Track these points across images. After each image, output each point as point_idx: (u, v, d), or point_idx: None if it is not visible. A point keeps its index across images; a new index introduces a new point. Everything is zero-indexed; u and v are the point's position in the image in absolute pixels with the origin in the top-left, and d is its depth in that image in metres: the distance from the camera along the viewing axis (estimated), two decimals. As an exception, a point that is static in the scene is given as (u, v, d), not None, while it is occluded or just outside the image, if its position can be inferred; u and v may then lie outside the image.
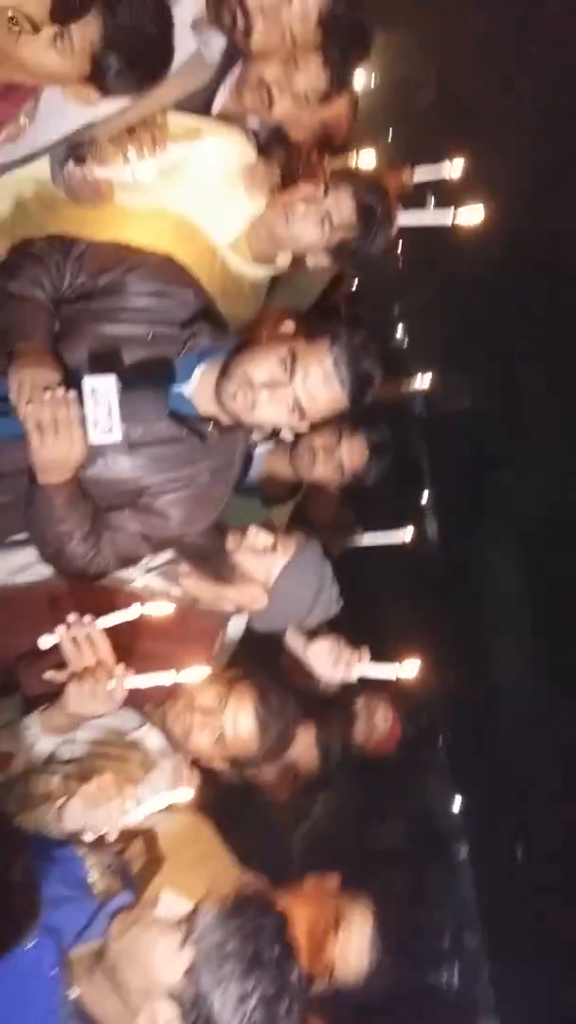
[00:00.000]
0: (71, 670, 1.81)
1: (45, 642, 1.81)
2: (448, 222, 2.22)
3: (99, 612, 1.90)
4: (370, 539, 3.00)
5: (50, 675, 1.84)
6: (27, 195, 2.22)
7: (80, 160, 2.06)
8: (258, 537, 2.14)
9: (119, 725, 2.02)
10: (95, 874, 1.59)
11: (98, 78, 1.76)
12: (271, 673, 2.18)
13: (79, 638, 1.80)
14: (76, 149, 2.07)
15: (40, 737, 1.86)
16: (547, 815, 3.78)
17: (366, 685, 2.55)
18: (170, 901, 1.60)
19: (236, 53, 2.29)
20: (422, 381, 3.33)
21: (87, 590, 2.00)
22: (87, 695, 1.79)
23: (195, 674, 1.85)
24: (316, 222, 2.22)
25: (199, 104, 2.33)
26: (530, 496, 4.14)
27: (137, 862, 1.79)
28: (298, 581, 2.11)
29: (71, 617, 1.80)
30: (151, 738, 2.06)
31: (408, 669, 2.23)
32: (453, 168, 2.33)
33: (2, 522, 1.94)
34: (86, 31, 1.68)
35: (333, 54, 2.24)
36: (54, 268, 1.88)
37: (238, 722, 2.04)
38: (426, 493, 4.81)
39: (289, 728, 2.12)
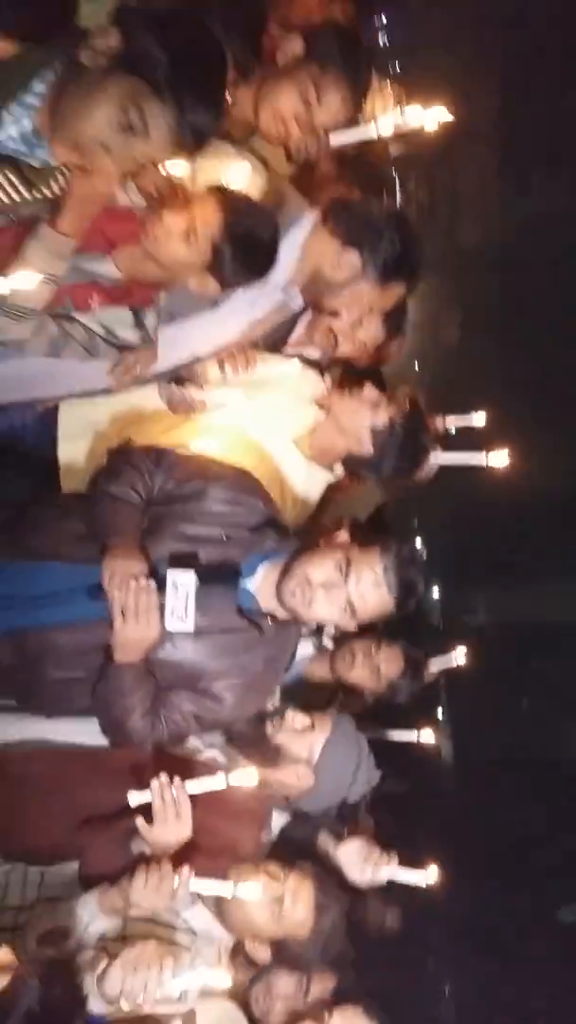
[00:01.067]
0: (154, 842, 1.91)
1: (135, 799, 1.92)
2: (482, 463, 2.53)
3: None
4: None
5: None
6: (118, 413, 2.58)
7: (180, 383, 2.45)
8: (296, 719, 2.28)
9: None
10: None
11: (217, 269, 2.13)
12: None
13: (167, 799, 1.90)
14: (178, 375, 2.46)
15: (97, 916, 1.91)
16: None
17: None
18: None
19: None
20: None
21: (163, 758, 2.12)
22: (152, 890, 1.88)
23: (251, 891, 1.94)
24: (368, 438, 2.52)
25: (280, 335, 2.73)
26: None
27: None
28: (339, 754, 2.23)
29: (163, 777, 1.92)
30: (199, 917, 2.11)
31: (432, 875, 2.31)
32: (479, 418, 2.70)
33: (77, 693, 2.11)
34: (211, 226, 2.08)
35: (394, 315, 2.66)
36: (147, 475, 2.16)
37: (299, 895, 2.11)
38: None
39: (341, 925, 2.19)
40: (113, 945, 1.93)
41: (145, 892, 1.88)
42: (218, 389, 2.49)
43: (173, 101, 1.57)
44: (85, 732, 2.15)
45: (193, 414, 2.46)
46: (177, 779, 1.93)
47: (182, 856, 1.98)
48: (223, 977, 1.90)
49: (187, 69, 1.57)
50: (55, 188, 1.79)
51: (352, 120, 2.38)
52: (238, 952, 2.25)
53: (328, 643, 2.74)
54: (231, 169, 2.30)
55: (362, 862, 2.31)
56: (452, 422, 2.74)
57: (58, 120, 1.62)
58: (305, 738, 2.23)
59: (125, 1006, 1.76)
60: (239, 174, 2.33)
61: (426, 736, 2.89)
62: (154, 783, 1.92)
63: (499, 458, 2.52)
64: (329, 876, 2.25)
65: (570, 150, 4.93)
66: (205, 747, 2.26)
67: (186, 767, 2.11)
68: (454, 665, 2.88)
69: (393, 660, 2.68)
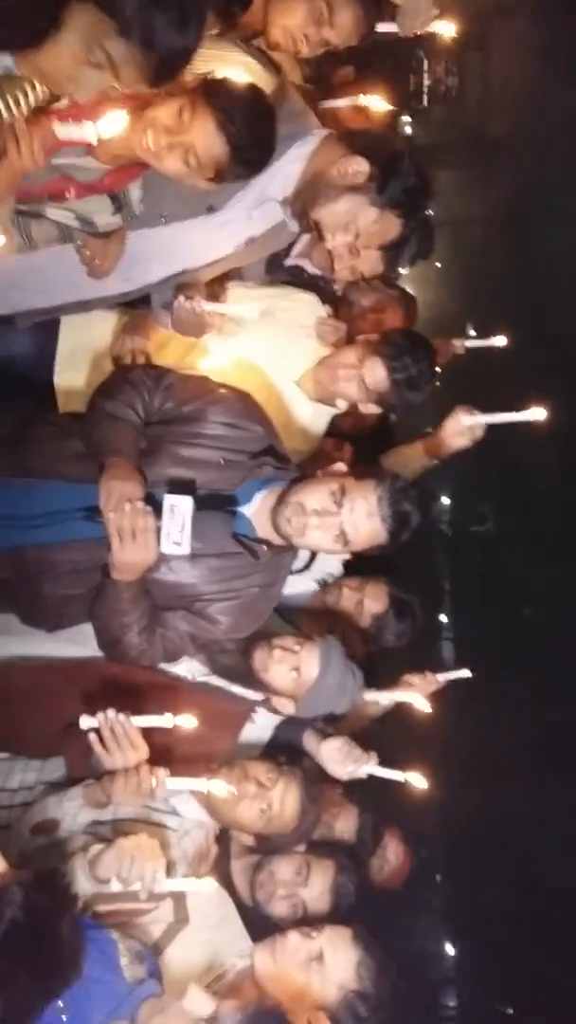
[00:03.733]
0: (109, 767, 2.01)
1: (85, 723, 2.00)
2: (519, 418, 2.46)
3: (144, 695, 2.11)
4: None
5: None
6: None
7: (189, 296, 2.37)
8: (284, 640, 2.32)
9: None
10: (126, 960, 1.73)
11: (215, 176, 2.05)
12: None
13: (116, 731, 1.99)
14: (184, 288, 2.39)
15: (83, 809, 2.03)
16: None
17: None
18: (196, 998, 1.76)
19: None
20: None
21: (137, 674, 2.21)
22: (131, 789, 2.00)
23: (222, 788, 2.05)
24: (355, 385, 2.53)
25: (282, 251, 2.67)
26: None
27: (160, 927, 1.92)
28: (328, 681, 2.28)
29: (109, 712, 1.99)
30: (188, 806, 2.23)
31: (416, 778, 2.40)
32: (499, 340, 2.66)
33: (74, 610, 2.17)
34: (211, 148, 2.00)
35: (391, 254, 2.50)
36: (146, 394, 2.14)
37: (286, 800, 2.22)
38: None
39: (319, 818, 2.34)
40: (106, 831, 2.06)
41: (125, 791, 2.00)
42: (227, 306, 2.44)
43: (141, 41, 1.40)
44: (68, 646, 2.23)
45: (205, 331, 2.41)
46: (123, 714, 1.99)
47: (158, 757, 2.08)
48: (208, 883, 2.00)
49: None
50: (22, 101, 1.65)
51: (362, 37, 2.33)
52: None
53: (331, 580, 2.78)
54: (237, 64, 2.19)
55: (342, 759, 2.39)
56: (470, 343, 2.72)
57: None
58: (291, 675, 2.28)
59: (115, 887, 1.86)
60: (246, 71, 2.22)
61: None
62: (100, 716, 1.99)
63: (537, 413, 2.44)
64: (312, 777, 2.36)
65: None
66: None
67: (161, 686, 2.19)
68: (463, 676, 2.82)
69: (378, 597, 2.71)
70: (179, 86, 1.95)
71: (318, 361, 2.62)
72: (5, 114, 1.66)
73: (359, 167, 2.31)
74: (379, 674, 2.73)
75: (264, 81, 2.24)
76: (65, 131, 1.75)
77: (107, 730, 1.99)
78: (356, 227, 2.36)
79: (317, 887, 2.34)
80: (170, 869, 2.10)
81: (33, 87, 1.65)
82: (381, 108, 2.74)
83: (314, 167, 2.35)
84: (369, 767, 2.41)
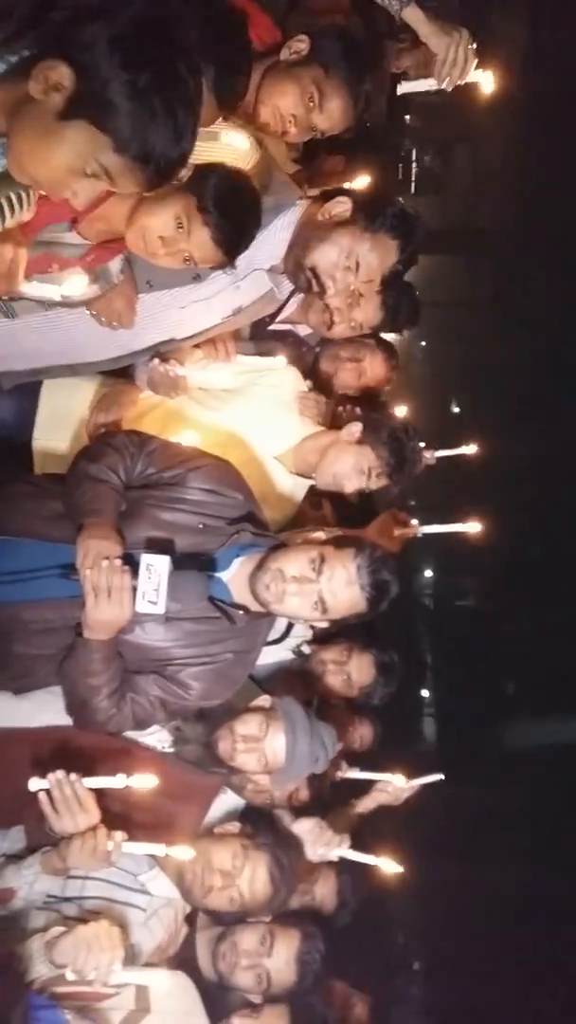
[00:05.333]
0: (59, 831, 1.95)
1: (35, 784, 1.96)
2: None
3: (110, 764, 2.05)
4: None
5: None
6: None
7: (164, 359, 2.41)
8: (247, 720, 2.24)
9: (131, 867, 2.14)
10: None
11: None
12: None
13: (66, 793, 1.94)
14: (161, 352, 2.43)
15: (40, 877, 1.98)
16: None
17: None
18: None
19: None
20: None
21: (104, 743, 2.15)
22: (87, 853, 1.95)
23: (183, 852, 2.00)
24: (356, 471, 2.56)
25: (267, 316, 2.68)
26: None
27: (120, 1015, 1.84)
28: (297, 757, 2.22)
29: (59, 773, 1.95)
30: (159, 883, 2.17)
31: (387, 864, 2.36)
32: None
33: (42, 671, 2.12)
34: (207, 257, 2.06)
35: (390, 300, 2.48)
36: (129, 459, 2.15)
37: (255, 883, 2.19)
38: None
39: (294, 887, 2.30)
40: (71, 909, 2.01)
41: (81, 855, 1.94)
42: (202, 374, 2.48)
43: (138, 156, 1.41)
44: (34, 711, 2.18)
45: (174, 393, 2.44)
46: (74, 774, 1.95)
47: (120, 823, 2.03)
48: (163, 979, 1.94)
49: (154, 109, 1.39)
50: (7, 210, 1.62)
51: (348, 127, 2.36)
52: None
53: (307, 649, 2.75)
54: (228, 137, 2.23)
55: (314, 840, 2.37)
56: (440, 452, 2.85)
57: (11, 147, 1.47)
58: (258, 745, 2.23)
59: (70, 976, 1.80)
60: (235, 142, 2.27)
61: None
62: (50, 776, 1.95)
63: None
64: (285, 847, 2.31)
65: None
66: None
67: (128, 755, 2.14)
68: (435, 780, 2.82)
69: (364, 669, 2.69)
70: (169, 187, 2.00)
71: (307, 442, 2.63)
72: None
73: (342, 204, 2.34)
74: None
75: (250, 153, 2.29)
76: (30, 287, 1.81)
77: (57, 791, 1.95)
78: (355, 259, 2.32)
79: (282, 956, 2.28)
80: (136, 951, 2.04)
81: (20, 199, 1.64)
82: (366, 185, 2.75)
83: (300, 231, 2.38)
84: (341, 850, 2.36)
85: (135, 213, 2.05)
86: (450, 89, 2.28)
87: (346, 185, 2.69)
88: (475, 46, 2.24)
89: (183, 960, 2.27)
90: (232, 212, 2.11)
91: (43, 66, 1.38)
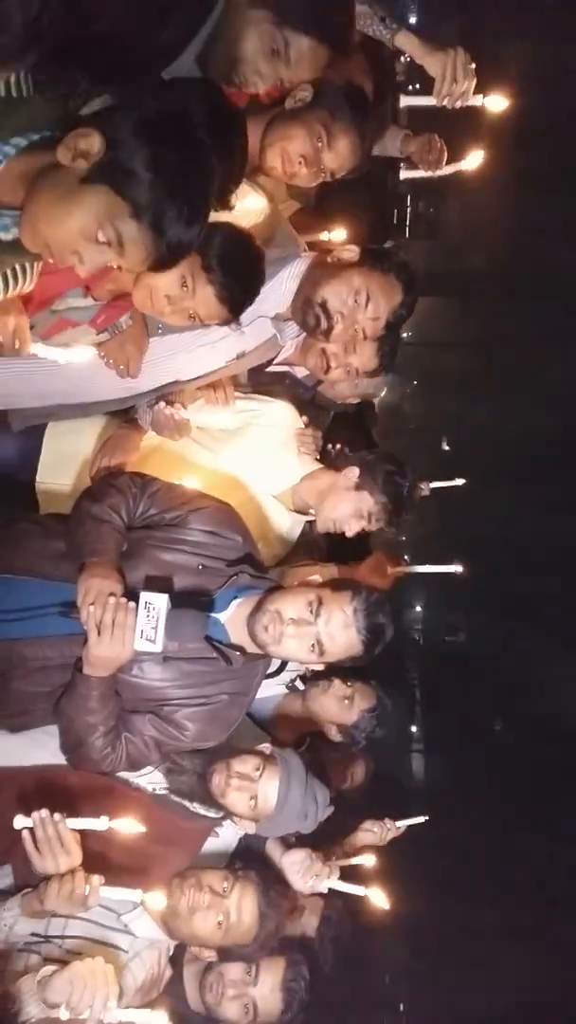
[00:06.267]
0: (41, 871, 1.95)
1: (19, 823, 1.96)
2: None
3: (100, 805, 2.05)
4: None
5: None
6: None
7: (169, 402, 2.46)
8: (245, 762, 2.25)
9: (114, 905, 2.13)
10: None
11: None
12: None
13: (48, 832, 1.94)
14: (165, 395, 2.48)
15: (20, 919, 1.97)
16: None
17: None
18: None
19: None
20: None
21: (96, 783, 2.16)
22: (64, 897, 1.95)
23: (157, 900, 2.01)
24: (356, 517, 2.62)
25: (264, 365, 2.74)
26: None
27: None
28: (287, 809, 2.24)
29: (43, 812, 1.95)
30: (142, 924, 2.16)
31: (376, 895, 2.37)
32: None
33: (39, 709, 2.13)
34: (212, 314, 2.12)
35: (385, 345, 2.57)
36: (131, 500, 2.18)
37: (243, 908, 2.18)
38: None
39: (281, 924, 2.27)
40: (54, 950, 1.99)
41: (57, 900, 1.95)
42: (203, 416, 2.52)
43: (152, 225, 1.50)
44: (28, 750, 2.19)
45: (178, 436, 2.49)
46: (58, 814, 1.96)
47: (103, 866, 2.03)
48: (162, 1017, 1.91)
49: (173, 186, 1.49)
50: (11, 281, 1.67)
51: (356, 168, 2.40)
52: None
53: (300, 685, 2.78)
54: (242, 204, 2.30)
55: (304, 872, 2.38)
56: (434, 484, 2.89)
57: (26, 212, 1.54)
58: (250, 788, 2.24)
59: (63, 1015, 1.78)
60: (250, 205, 2.35)
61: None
62: (35, 815, 1.95)
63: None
64: (271, 882, 2.30)
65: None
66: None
67: (119, 796, 2.14)
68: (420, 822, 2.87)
69: (367, 695, 2.72)
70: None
71: (305, 483, 2.68)
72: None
73: (351, 252, 2.44)
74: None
75: (257, 206, 2.37)
76: (37, 349, 1.87)
77: (40, 831, 1.95)
78: (364, 295, 2.40)
79: (267, 984, 2.29)
80: (119, 994, 2.02)
81: (24, 271, 1.69)
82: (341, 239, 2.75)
83: (308, 273, 2.45)
84: (330, 882, 2.38)
85: (141, 272, 2.10)
86: (451, 107, 2.31)
87: (324, 235, 2.75)
88: (474, 66, 2.26)
89: (172, 994, 2.27)
90: (236, 271, 2.16)
91: (76, 133, 1.47)
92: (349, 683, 2.71)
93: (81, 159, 1.47)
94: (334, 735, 2.74)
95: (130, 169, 1.46)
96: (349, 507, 2.61)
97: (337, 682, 2.71)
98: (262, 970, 2.29)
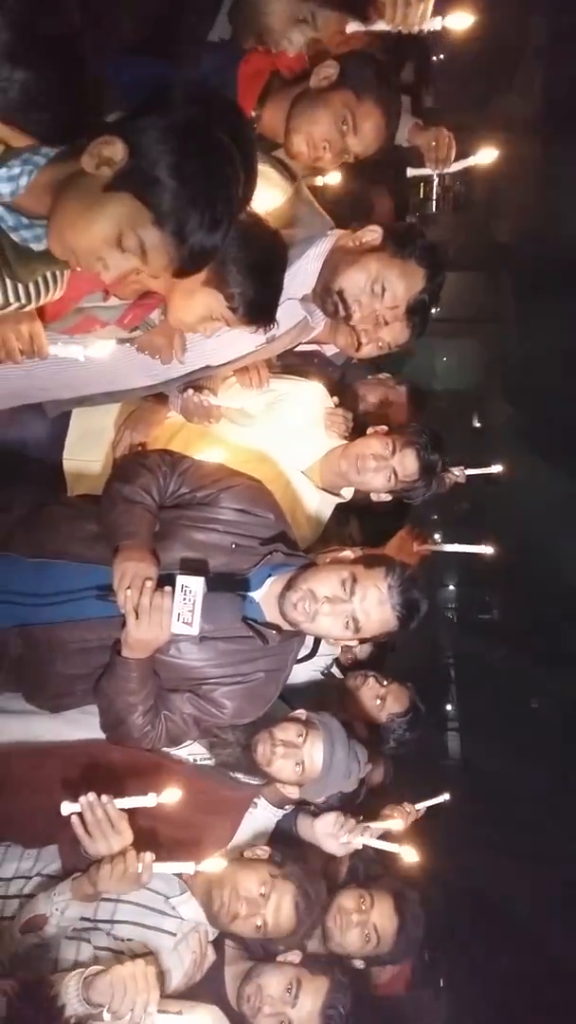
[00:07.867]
0: (94, 854, 1.97)
1: (67, 808, 1.97)
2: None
3: (143, 779, 2.08)
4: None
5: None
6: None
7: (198, 389, 2.46)
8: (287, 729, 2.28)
9: (162, 888, 2.16)
10: None
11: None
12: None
13: (98, 815, 1.95)
14: (194, 381, 2.47)
15: (71, 904, 1.99)
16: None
17: None
18: None
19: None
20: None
21: (138, 757, 2.18)
22: (116, 877, 1.96)
23: (213, 865, 2.02)
24: (384, 476, 2.59)
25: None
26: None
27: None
28: (333, 768, 2.25)
29: (91, 796, 1.96)
30: (189, 907, 2.18)
31: (408, 852, 2.36)
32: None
33: (79, 690, 2.16)
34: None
35: (416, 322, 2.46)
36: (162, 479, 2.19)
37: (280, 911, 2.18)
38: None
39: (317, 920, 2.28)
40: (101, 938, 2.02)
41: (111, 880, 1.96)
42: (234, 400, 2.52)
43: (174, 232, 1.51)
44: (69, 728, 2.22)
45: (208, 422, 2.49)
46: (105, 796, 1.97)
47: (153, 842, 2.05)
48: (203, 1021, 1.94)
49: (195, 193, 1.50)
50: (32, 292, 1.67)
51: (382, 148, 2.36)
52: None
53: (336, 672, 2.77)
54: (271, 191, 2.28)
55: (337, 832, 2.36)
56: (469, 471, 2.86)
57: (53, 220, 1.55)
58: (295, 754, 2.25)
59: (106, 1017, 1.79)
60: (268, 203, 2.30)
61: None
62: (82, 800, 1.96)
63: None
64: (312, 878, 2.30)
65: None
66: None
67: (161, 769, 2.16)
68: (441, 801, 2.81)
69: (400, 698, 2.70)
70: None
71: (334, 450, 2.67)
72: (22, 299, 1.70)
73: (373, 232, 2.36)
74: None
75: (281, 188, 2.34)
76: (56, 349, 1.88)
77: (89, 814, 1.97)
78: (381, 284, 2.32)
79: (306, 1007, 2.22)
80: (166, 978, 2.05)
81: (54, 279, 1.70)
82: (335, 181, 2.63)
83: (330, 257, 2.40)
84: (364, 838, 2.37)
85: (170, 305, 2.09)
86: (406, 32, 2.24)
87: (318, 181, 2.59)
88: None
89: (215, 996, 2.25)
90: (261, 303, 2.12)
91: (100, 141, 1.49)
92: (384, 683, 2.71)
93: (105, 166, 1.49)
94: (380, 718, 2.70)
95: (153, 176, 1.48)
96: (383, 471, 2.57)
97: (372, 680, 2.71)
98: (303, 991, 2.23)
